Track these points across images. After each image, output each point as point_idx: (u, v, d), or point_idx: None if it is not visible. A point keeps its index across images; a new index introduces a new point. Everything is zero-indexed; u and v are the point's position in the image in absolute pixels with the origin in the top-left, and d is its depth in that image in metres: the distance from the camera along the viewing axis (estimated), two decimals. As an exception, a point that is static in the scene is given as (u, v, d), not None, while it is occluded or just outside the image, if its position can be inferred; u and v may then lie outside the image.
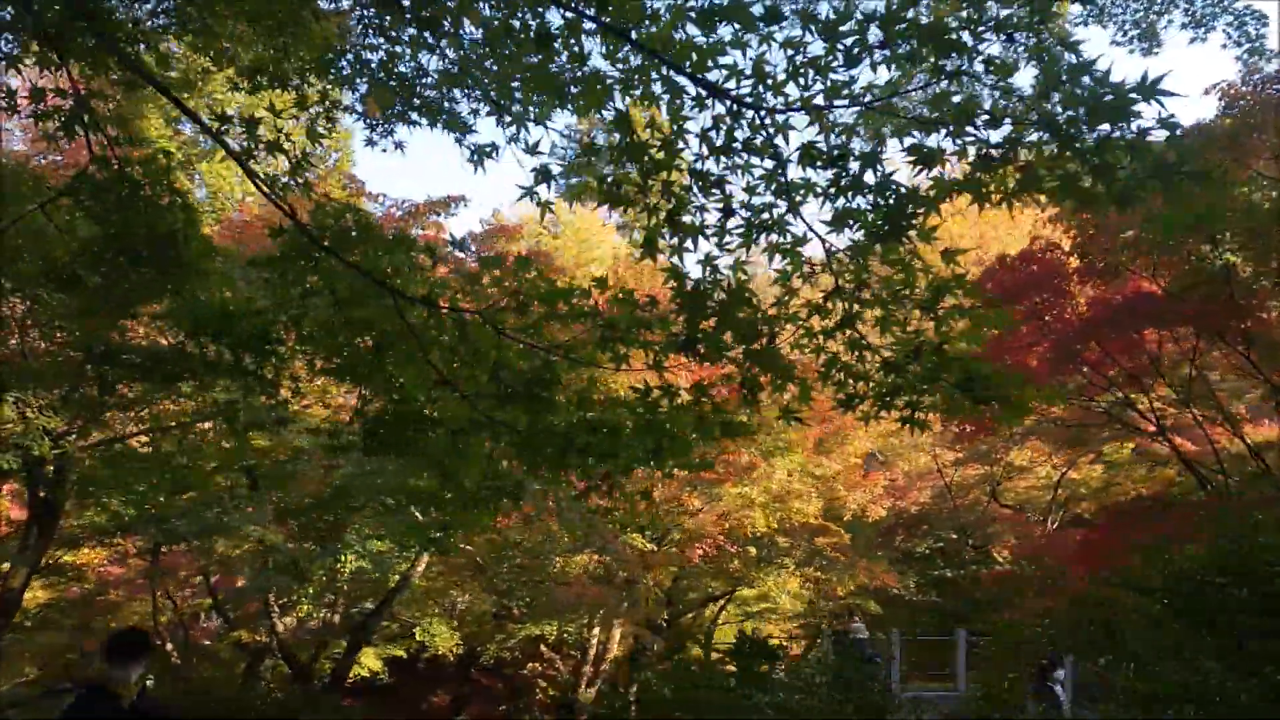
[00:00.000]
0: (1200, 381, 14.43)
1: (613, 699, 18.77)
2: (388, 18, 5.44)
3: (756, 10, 2.88)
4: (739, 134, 3.14)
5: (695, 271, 3.91)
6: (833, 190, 3.15)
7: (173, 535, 12.39)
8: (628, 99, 3.12)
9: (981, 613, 23.67)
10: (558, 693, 20.17)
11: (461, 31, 4.81)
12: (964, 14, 2.79)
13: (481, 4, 4.14)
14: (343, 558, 14.12)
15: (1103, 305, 13.16)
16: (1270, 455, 15.03)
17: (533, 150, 3.44)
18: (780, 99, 3.02)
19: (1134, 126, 2.70)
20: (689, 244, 3.29)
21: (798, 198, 3.22)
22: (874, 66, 2.91)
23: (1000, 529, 27.51)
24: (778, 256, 3.35)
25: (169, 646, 17.24)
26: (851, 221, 3.13)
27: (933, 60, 2.87)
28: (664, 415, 3.45)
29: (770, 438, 16.34)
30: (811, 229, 3.17)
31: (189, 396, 11.62)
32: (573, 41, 3.17)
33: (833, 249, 3.28)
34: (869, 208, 3.09)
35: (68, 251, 5.45)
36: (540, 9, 3.29)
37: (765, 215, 3.26)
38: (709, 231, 3.30)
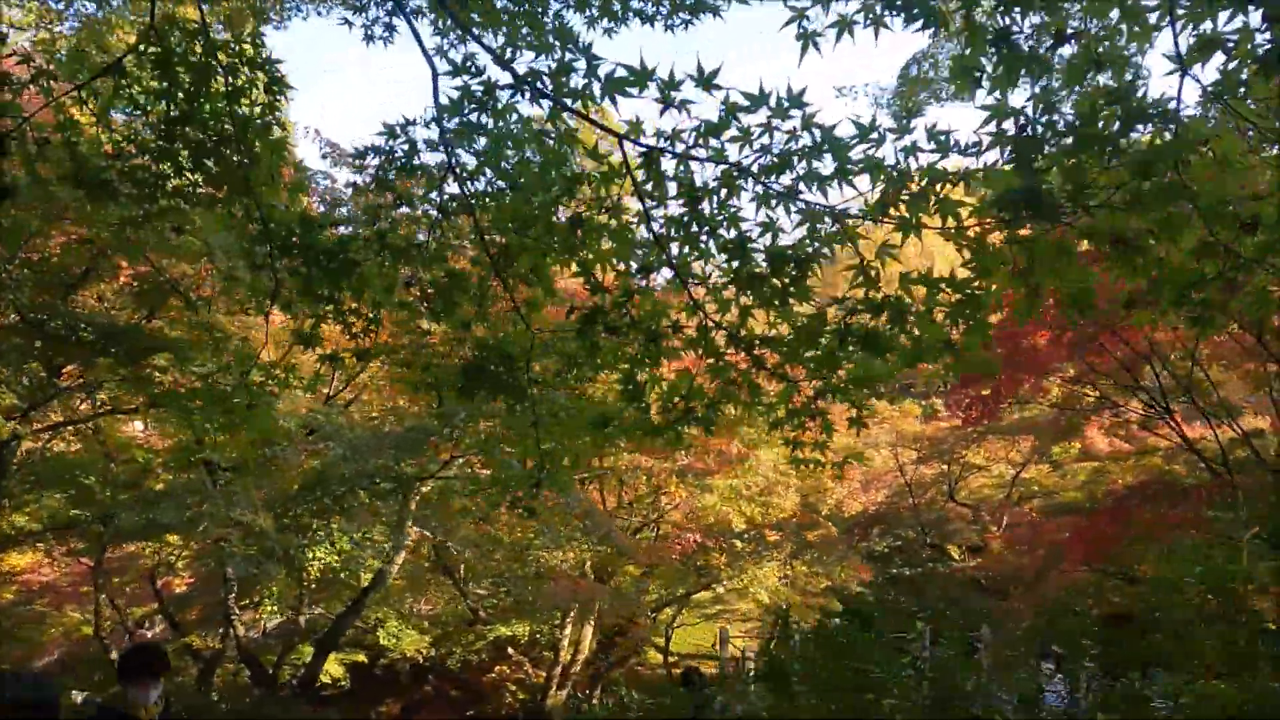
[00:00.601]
0: (1195, 370, 14.34)
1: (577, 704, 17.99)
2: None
3: None
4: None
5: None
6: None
7: (153, 527, 11.23)
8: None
9: (940, 609, 23.59)
10: (526, 696, 19.30)
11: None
12: None
13: None
14: (312, 552, 13.10)
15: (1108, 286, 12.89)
16: (1257, 442, 15.05)
17: None
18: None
19: None
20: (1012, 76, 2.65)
21: (1137, 27, 2.59)
22: None
23: (959, 526, 27.75)
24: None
25: (114, 655, 15.92)
26: (1227, 46, 2.52)
27: None
28: (980, 290, 2.78)
29: (755, 430, 15.89)
30: (1181, 65, 2.51)
31: (162, 370, 10.50)
32: None
33: (1177, 102, 2.65)
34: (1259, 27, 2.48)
35: (99, 150, 4.55)
36: None
37: (1104, 47, 2.63)
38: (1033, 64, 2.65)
